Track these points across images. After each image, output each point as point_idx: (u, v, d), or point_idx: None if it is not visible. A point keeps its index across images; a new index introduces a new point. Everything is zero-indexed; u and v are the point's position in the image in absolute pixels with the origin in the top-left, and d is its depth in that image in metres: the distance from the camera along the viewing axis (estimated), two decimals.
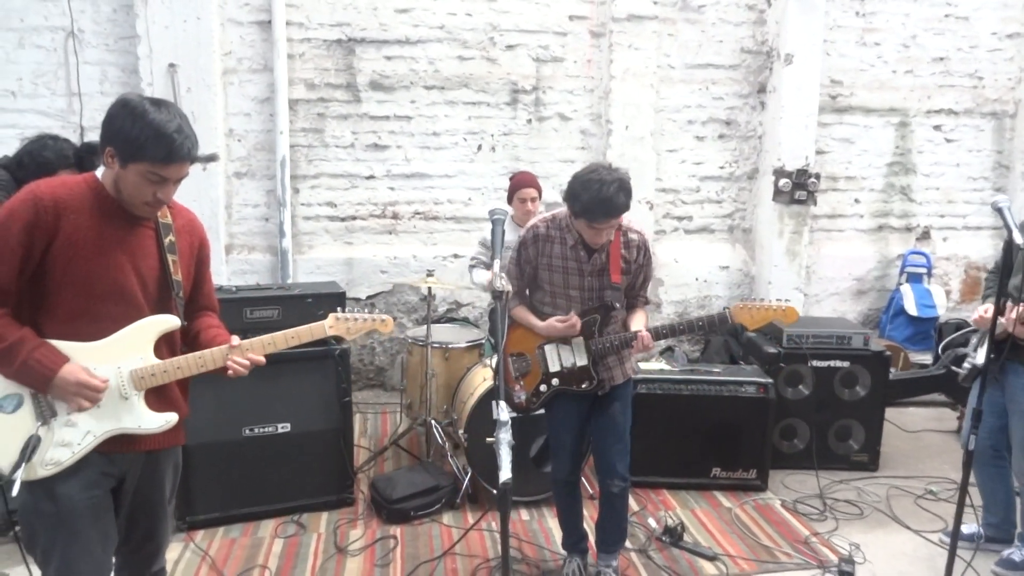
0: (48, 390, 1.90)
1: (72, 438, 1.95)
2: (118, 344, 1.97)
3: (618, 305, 2.88)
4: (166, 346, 2.07)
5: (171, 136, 1.87)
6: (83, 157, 3.32)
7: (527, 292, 3.02)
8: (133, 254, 1.98)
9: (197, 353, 2.08)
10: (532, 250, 2.89)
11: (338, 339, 2.28)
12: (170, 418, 2.06)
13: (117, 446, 2.01)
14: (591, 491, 3.82)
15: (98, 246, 1.92)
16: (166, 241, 2.04)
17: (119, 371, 1.98)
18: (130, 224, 1.99)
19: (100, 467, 2.00)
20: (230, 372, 2.09)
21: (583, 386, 2.89)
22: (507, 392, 2.94)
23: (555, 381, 2.92)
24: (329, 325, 2.21)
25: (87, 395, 1.91)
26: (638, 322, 2.93)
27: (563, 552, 3.29)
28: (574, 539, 3.18)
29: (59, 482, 1.94)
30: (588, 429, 3.04)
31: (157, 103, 1.91)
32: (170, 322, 2.04)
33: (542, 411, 3.02)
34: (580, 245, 2.82)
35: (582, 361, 2.87)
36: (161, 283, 2.04)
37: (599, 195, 2.60)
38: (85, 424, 1.96)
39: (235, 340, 2.10)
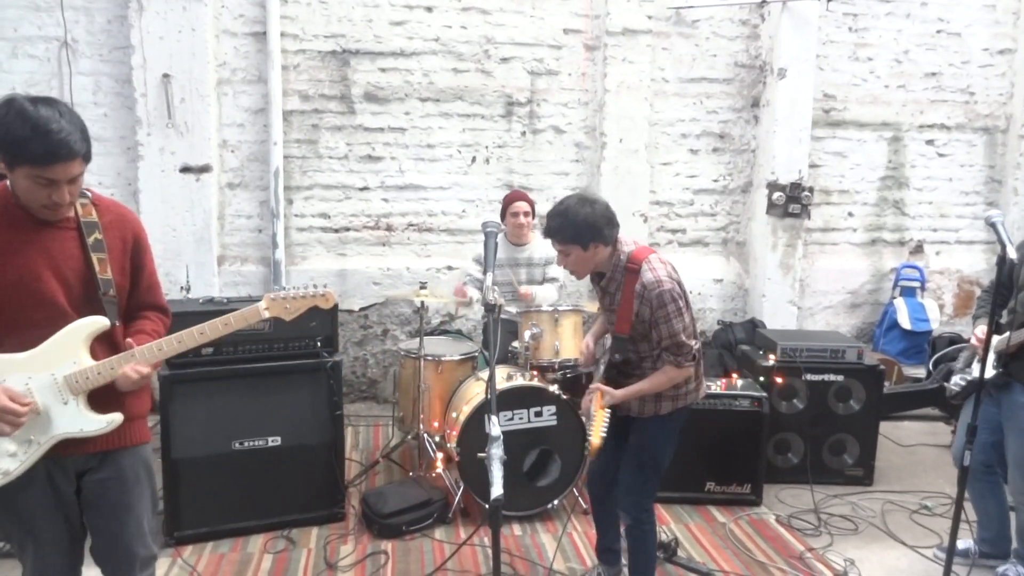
0: None
1: (16, 448, 1.95)
2: (49, 351, 1.95)
3: (617, 357, 2.69)
4: (104, 347, 2.03)
5: (49, 135, 1.78)
6: None
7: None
8: (52, 258, 1.94)
9: (123, 353, 2.01)
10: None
11: (279, 320, 2.20)
12: (112, 418, 2.02)
13: (67, 449, 2.01)
14: (584, 505, 3.80)
15: (9, 254, 1.90)
16: (90, 240, 1.99)
17: (54, 378, 1.97)
18: (44, 228, 1.95)
19: (52, 470, 2.02)
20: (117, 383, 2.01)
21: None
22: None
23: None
24: (264, 307, 2.14)
25: (8, 419, 1.88)
26: (631, 389, 2.68)
27: (555, 567, 3.28)
28: (600, 548, 3.14)
29: (14, 491, 1.97)
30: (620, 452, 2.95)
31: (39, 101, 1.82)
32: (98, 323, 1.99)
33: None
34: (596, 279, 2.80)
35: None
36: (88, 284, 1.99)
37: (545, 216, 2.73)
38: (27, 433, 1.95)
39: (129, 342, 2.04)
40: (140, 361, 2.01)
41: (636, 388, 2.65)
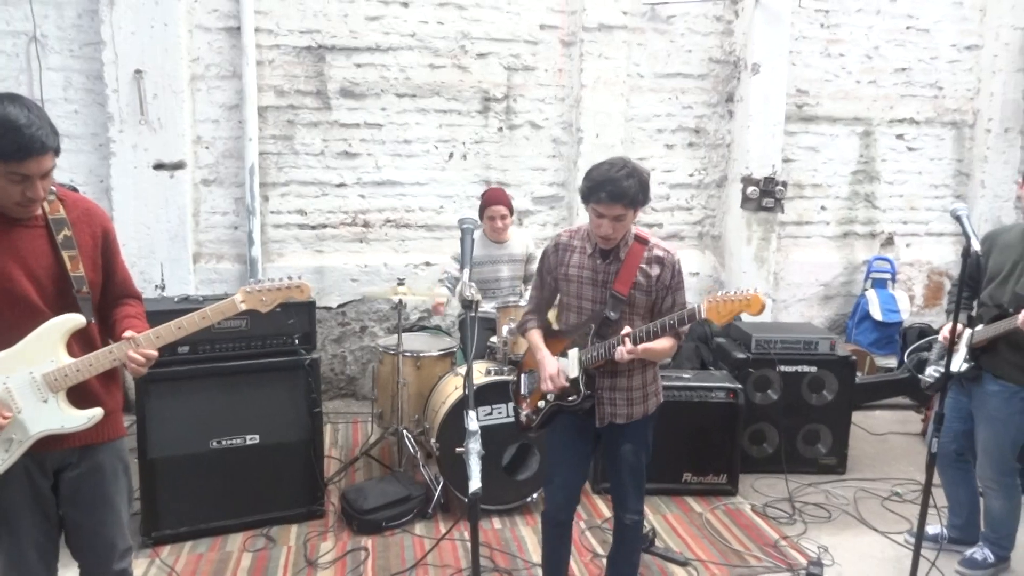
0: None
1: None
2: (26, 351, 1.96)
3: (612, 315, 2.62)
4: (80, 344, 2.05)
5: (20, 130, 1.80)
6: None
7: (547, 309, 2.88)
8: (22, 257, 1.95)
9: (103, 349, 2.04)
10: (553, 259, 2.78)
11: (256, 316, 2.22)
12: (94, 414, 2.04)
13: (46, 446, 2.02)
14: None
15: None
16: (59, 237, 2.00)
17: (32, 376, 1.97)
18: (12, 227, 1.95)
19: (30, 467, 2.03)
20: (128, 370, 2.05)
21: (570, 399, 2.69)
22: (516, 411, 2.93)
23: (550, 396, 2.74)
24: (240, 300, 2.15)
25: None
26: (654, 344, 2.56)
27: (535, 560, 3.29)
28: None
29: None
30: (587, 463, 2.85)
31: (3, 98, 1.84)
32: (73, 321, 2.00)
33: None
34: (597, 253, 2.69)
35: (573, 373, 2.70)
36: (60, 281, 2.00)
37: (606, 174, 2.50)
38: (8, 433, 1.96)
39: (128, 333, 2.05)
40: (146, 344, 2.03)
41: (651, 345, 2.53)
